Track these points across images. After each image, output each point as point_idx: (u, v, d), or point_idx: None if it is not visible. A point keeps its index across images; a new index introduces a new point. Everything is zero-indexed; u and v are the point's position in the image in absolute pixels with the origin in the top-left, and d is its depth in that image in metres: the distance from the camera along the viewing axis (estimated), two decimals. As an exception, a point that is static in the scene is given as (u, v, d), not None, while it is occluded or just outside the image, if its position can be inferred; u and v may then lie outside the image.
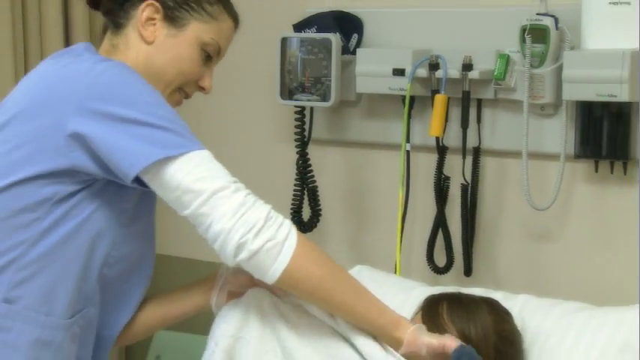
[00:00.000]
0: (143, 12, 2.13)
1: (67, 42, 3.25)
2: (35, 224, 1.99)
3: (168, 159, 1.94)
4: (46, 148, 1.98)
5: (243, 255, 1.95)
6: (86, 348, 2.13)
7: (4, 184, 1.99)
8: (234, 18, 2.23)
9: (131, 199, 2.07)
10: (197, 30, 2.15)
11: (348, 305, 2.09)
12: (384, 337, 2.12)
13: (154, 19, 2.13)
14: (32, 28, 3.19)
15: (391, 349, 2.13)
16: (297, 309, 2.12)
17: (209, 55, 2.19)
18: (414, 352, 2.09)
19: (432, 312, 2.28)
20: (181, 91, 2.20)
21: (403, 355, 2.10)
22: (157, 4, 2.13)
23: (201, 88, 2.22)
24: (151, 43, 2.14)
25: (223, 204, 1.95)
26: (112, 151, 1.95)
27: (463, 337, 2.21)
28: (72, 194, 2.00)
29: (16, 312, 2.00)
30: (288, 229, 2.00)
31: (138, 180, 1.97)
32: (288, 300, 2.12)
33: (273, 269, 1.97)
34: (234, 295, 2.19)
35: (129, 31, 2.16)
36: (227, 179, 1.99)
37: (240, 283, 2.20)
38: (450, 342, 2.09)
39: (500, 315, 2.31)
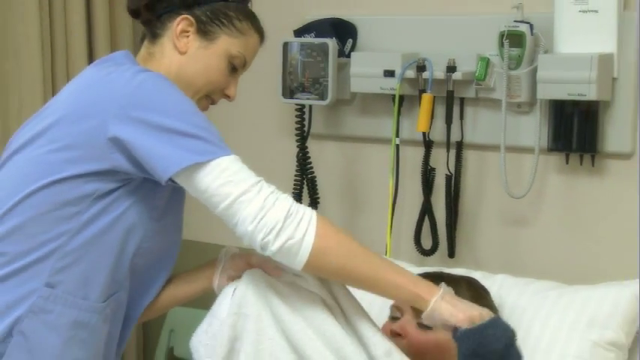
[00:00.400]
0: (178, 25, 2.12)
1: (90, 48, 3.24)
2: (76, 217, 1.99)
3: (198, 164, 1.94)
4: (89, 149, 1.98)
5: (268, 253, 1.96)
6: (116, 326, 2.13)
7: (50, 181, 1.99)
8: (261, 34, 2.23)
9: (163, 196, 2.07)
10: (226, 43, 2.15)
11: (370, 283, 2.06)
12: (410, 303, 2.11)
13: (187, 31, 2.13)
14: (59, 39, 3.17)
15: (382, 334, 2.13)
16: (291, 286, 2.11)
17: (235, 67, 2.18)
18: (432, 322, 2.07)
19: None
20: (208, 97, 2.19)
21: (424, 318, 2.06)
22: (191, 19, 2.12)
23: (227, 96, 2.22)
24: (183, 53, 2.13)
25: (245, 207, 1.94)
26: (149, 156, 1.95)
27: None
28: (110, 191, 2.00)
29: (56, 296, 1.99)
30: (307, 224, 1.97)
31: (172, 179, 1.98)
32: (282, 279, 2.11)
33: (297, 263, 1.97)
34: (233, 278, 2.18)
35: (164, 41, 2.15)
36: (251, 182, 1.97)
37: (238, 267, 2.19)
38: (459, 322, 2.03)
39: (477, 291, 2.31)
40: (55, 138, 2.02)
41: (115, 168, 1.98)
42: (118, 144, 1.96)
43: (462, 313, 2.01)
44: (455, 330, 2.01)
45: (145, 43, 2.19)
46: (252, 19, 2.20)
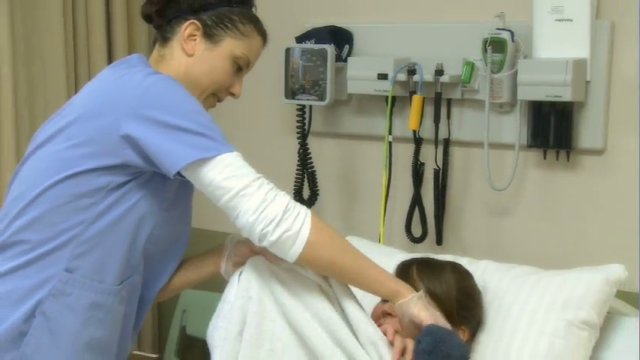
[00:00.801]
0: (186, 29, 2.11)
1: (109, 53, 3.24)
2: (92, 208, 1.99)
3: (203, 160, 1.94)
4: (103, 146, 1.98)
5: (265, 243, 1.96)
6: (131, 307, 2.13)
7: (68, 174, 1.98)
8: (263, 36, 2.21)
9: (172, 188, 2.07)
10: (230, 45, 2.13)
11: (356, 278, 2.08)
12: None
13: (194, 35, 2.11)
14: (81, 45, 3.18)
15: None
16: (290, 272, 2.11)
17: (240, 67, 2.17)
18: (400, 318, 2.11)
19: (404, 273, 2.26)
20: (214, 96, 2.18)
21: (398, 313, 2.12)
22: (198, 23, 2.11)
23: (232, 94, 2.21)
24: (191, 55, 2.12)
25: (247, 200, 1.94)
26: (158, 152, 1.95)
27: (430, 292, 2.20)
28: (123, 184, 2.00)
29: (75, 280, 2.00)
30: (303, 219, 1.97)
31: (179, 173, 1.98)
32: (282, 266, 2.11)
33: (291, 254, 1.97)
34: (239, 264, 2.18)
35: (174, 44, 2.13)
36: (252, 177, 1.97)
37: (242, 254, 2.19)
38: (427, 320, 2.07)
39: (461, 274, 2.31)
40: (72, 135, 2.02)
41: (126, 163, 1.98)
42: (130, 141, 1.96)
43: (430, 314, 2.06)
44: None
45: (157, 46, 2.18)
46: (255, 23, 2.18)
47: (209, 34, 2.11)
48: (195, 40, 2.11)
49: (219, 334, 2.10)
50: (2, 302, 1.99)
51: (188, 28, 2.11)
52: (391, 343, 2.10)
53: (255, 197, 1.94)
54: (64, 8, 3.07)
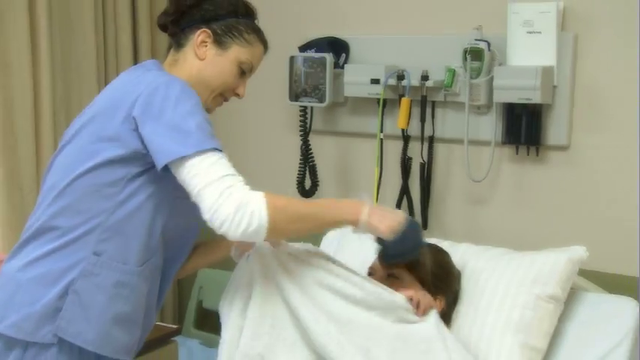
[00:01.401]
0: (198, 36, 2.09)
1: (135, 58, 3.23)
2: (114, 197, 1.97)
3: (184, 158, 1.89)
4: (118, 137, 1.96)
5: (231, 239, 1.92)
6: (154, 285, 2.10)
7: (91, 166, 1.98)
8: (264, 44, 2.19)
9: None
10: (237, 52, 2.11)
11: (317, 226, 2.02)
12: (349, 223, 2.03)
13: (206, 42, 2.10)
14: (110, 55, 3.16)
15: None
16: (290, 256, 2.10)
17: (244, 71, 2.14)
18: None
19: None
20: (222, 95, 2.16)
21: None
22: (209, 32, 2.09)
23: (237, 95, 2.18)
24: (202, 59, 2.10)
25: (204, 200, 1.88)
26: (151, 147, 1.93)
27: (408, 267, 2.21)
28: (139, 174, 1.98)
29: (102, 262, 1.99)
30: (258, 211, 1.87)
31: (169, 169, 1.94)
32: (286, 250, 2.11)
33: (258, 242, 1.98)
34: (247, 248, 2.16)
35: (187, 50, 2.11)
36: (215, 176, 1.89)
37: (247, 243, 2.14)
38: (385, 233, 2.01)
39: (437, 251, 2.32)
40: (94, 130, 2.00)
41: (137, 152, 1.96)
42: (138, 135, 1.95)
43: (383, 225, 1.99)
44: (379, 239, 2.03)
45: (171, 51, 2.16)
46: (258, 33, 2.17)
47: (219, 42, 2.10)
48: (206, 46, 2.10)
49: (226, 311, 2.11)
50: (39, 282, 1.99)
51: (200, 35, 2.09)
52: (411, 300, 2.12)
53: (210, 197, 1.88)
54: (95, 24, 3.06)
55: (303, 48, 2.97)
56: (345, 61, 2.94)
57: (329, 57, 2.88)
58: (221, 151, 1.93)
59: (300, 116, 3.02)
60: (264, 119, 3.26)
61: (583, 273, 2.40)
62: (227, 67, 2.11)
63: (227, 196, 1.87)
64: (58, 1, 2.97)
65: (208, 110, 2.14)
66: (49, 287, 1.99)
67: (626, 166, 2.55)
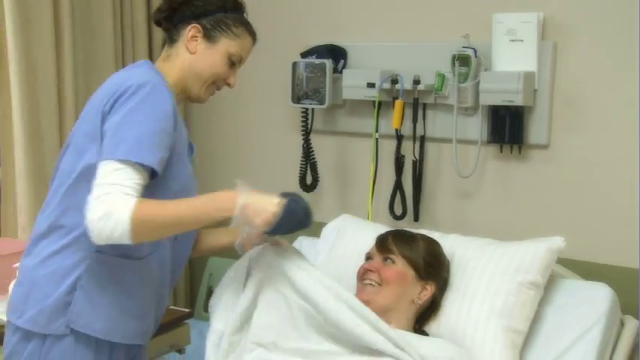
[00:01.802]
0: (189, 32, 2.06)
1: (151, 57, 3.21)
2: None
3: (107, 160, 1.85)
4: (96, 136, 1.92)
5: (95, 241, 1.86)
6: (163, 274, 2.08)
7: (84, 166, 1.94)
8: (253, 36, 2.13)
9: (174, 177, 1.99)
10: (226, 45, 2.07)
11: (189, 226, 1.96)
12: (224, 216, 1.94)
13: (196, 36, 2.06)
14: (127, 54, 3.17)
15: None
16: (286, 252, 2.13)
17: (233, 62, 2.10)
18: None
19: (383, 241, 2.28)
20: (214, 84, 2.11)
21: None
22: (199, 27, 2.05)
23: (228, 84, 2.13)
24: (193, 53, 2.06)
25: (88, 200, 1.83)
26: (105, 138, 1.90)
27: (403, 256, 2.22)
28: None
29: (105, 258, 1.97)
30: (122, 220, 1.81)
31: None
32: (285, 247, 2.14)
33: (126, 243, 1.86)
34: (249, 243, 2.18)
35: (179, 45, 2.08)
36: (106, 181, 1.83)
37: (251, 236, 2.15)
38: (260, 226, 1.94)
39: (429, 241, 2.33)
40: (84, 130, 1.97)
41: None
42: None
43: (258, 219, 1.92)
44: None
45: (165, 47, 2.12)
46: (246, 25, 2.12)
47: (208, 36, 2.06)
48: (196, 40, 2.06)
49: (231, 283, 2.17)
50: (49, 280, 1.98)
51: (191, 30, 2.06)
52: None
53: (90, 199, 1.83)
54: (114, 31, 3.06)
55: (305, 54, 2.97)
56: (344, 67, 2.94)
57: (328, 63, 2.88)
58: (147, 165, 1.85)
59: (302, 117, 3.02)
60: (269, 120, 3.25)
61: (561, 261, 2.40)
62: (217, 59, 2.07)
63: (99, 203, 1.82)
64: (81, 10, 2.98)
65: (200, 100, 2.12)
66: (59, 283, 1.97)
67: (600, 162, 2.56)
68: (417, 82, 2.76)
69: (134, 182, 1.85)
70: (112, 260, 1.98)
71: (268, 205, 1.93)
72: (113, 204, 1.82)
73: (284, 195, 1.95)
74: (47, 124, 2.86)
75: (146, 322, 2.08)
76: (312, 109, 3.00)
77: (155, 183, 1.93)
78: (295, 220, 1.95)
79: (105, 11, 3.06)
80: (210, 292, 3.32)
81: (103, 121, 1.92)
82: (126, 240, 1.84)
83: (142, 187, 1.88)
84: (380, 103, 2.82)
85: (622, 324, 2.36)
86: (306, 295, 2.05)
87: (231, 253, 2.27)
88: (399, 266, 2.23)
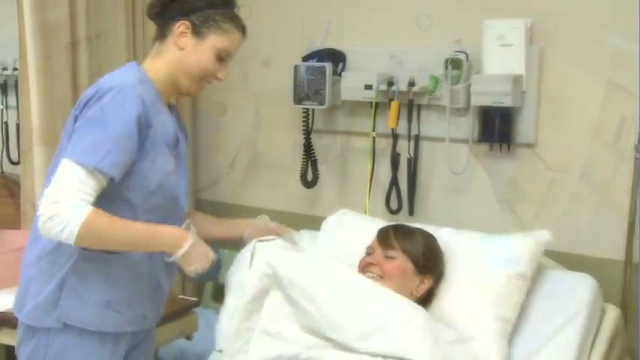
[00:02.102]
0: (178, 28, 2.00)
1: None
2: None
3: (67, 160, 1.84)
4: (71, 133, 1.90)
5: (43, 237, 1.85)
6: (153, 263, 2.04)
7: None
8: (242, 31, 2.07)
9: (153, 175, 1.97)
10: (214, 40, 2.01)
11: (134, 250, 1.96)
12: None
13: (185, 33, 2.00)
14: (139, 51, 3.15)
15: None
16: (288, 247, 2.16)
17: (222, 57, 2.03)
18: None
19: (385, 236, 2.29)
20: (204, 79, 2.06)
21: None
22: (188, 23, 2.00)
23: (218, 79, 2.06)
24: (182, 49, 2.01)
25: (43, 195, 1.82)
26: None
27: (404, 250, 2.24)
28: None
29: (90, 256, 1.95)
30: (71, 225, 1.80)
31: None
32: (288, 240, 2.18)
33: (73, 245, 1.86)
34: (259, 234, 2.20)
35: (169, 41, 2.02)
36: (54, 189, 1.81)
37: (260, 230, 2.20)
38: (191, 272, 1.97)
39: (427, 237, 2.34)
40: (67, 131, 1.95)
41: None
42: None
43: (190, 268, 1.94)
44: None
45: (156, 43, 2.07)
46: (235, 21, 2.05)
47: (197, 32, 2.01)
48: (186, 36, 2.01)
49: (235, 275, 2.21)
50: (43, 276, 1.98)
51: (180, 27, 2.01)
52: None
53: (45, 194, 1.82)
54: (127, 41, 3.05)
55: (306, 58, 2.96)
56: (343, 70, 2.93)
57: (328, 66, 2.88)
58: (101, 169, 1.84)
59: (303, 117, 3.01)
60: (272, 120, 3.24)
61: (547, 253, 2.41)
62: (205, 55, 2.02)
63: (52, 202, 1.80)
64: (96, 22, 2.95)
65: (190, 94, 2.09)
66: (49, 280, 1.97)
67: (582, 159, 2.56)
68: (411, 84, 2.75)
69: (89, 187, 1.83)
70: (98, 256, 1.96)
71: (203, 259, 1.97)
72: (65, 207, 1.80)
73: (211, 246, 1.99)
74: (63, 125, 2.86)
75: (138, 310, 2.06)
76: (313, 109, 3.00)
77: (129, 180, 1.91)
78: (210, 276, 2.01)
79: (118, 23, 3.04)
80: (217, 282, 3.34)
81: (75, 123, 1.91)
82: (70, 242, 1.83)
83: (97, 192, 1.86)
84: (377, 104, 2.82)
85: (603, 312, 2.38)
86: (313, 290, 2.07)
87: (237, 245, 2.29)
88: (400, 261, 2.24)
